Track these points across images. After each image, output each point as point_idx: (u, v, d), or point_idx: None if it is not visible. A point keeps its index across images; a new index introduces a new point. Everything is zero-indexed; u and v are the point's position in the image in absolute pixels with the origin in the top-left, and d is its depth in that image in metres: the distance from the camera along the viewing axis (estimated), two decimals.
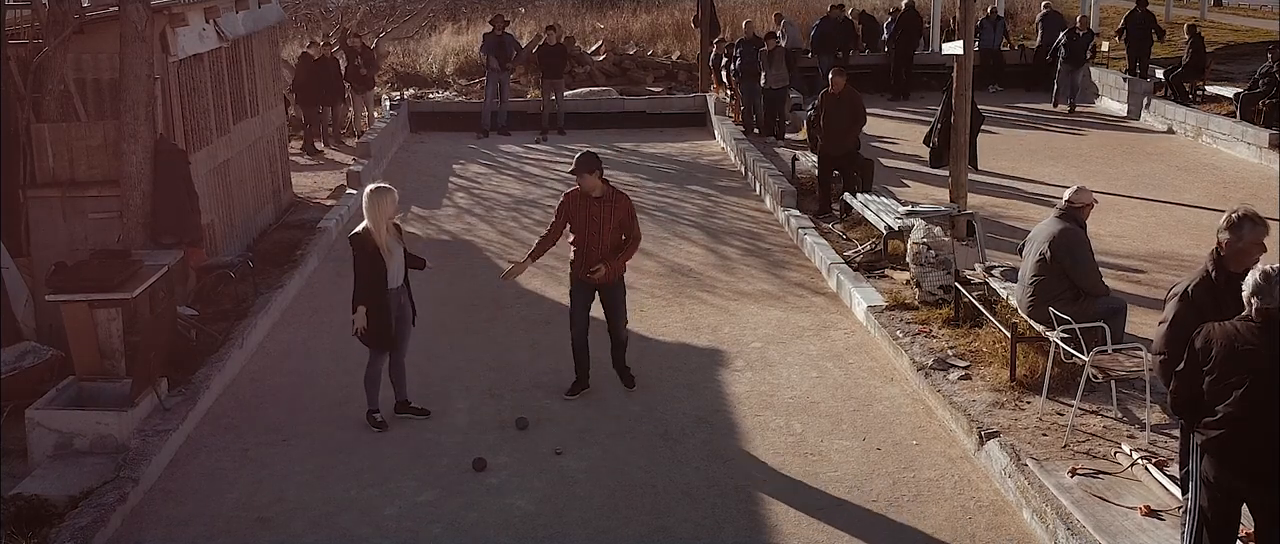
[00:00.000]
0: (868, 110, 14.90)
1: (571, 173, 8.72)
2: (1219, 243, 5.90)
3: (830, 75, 14.50)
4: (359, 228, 8.41)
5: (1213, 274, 5.89)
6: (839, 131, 14.23)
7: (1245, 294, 5.37)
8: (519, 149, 19.45)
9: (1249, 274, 5.39)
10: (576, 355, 9.04)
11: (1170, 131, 19.27)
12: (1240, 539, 5.75)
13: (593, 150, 8.85)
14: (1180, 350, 5.73)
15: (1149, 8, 22.07)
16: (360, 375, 8.70)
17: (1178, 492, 6.71)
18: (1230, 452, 5.36)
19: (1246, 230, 5.82)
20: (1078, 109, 21.53)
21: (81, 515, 6.99)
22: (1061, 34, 22.12)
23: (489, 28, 21.03)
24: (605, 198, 8.74)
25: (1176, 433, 6.82)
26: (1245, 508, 5.55)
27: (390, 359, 8.64)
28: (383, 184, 8.50)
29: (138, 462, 7.72)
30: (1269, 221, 6.22)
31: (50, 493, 7.31)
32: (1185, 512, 6.03)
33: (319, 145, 19.52)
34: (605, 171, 8.85)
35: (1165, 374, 5.91)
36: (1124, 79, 21.51)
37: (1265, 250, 5.92)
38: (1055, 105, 21.65)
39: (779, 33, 19.97)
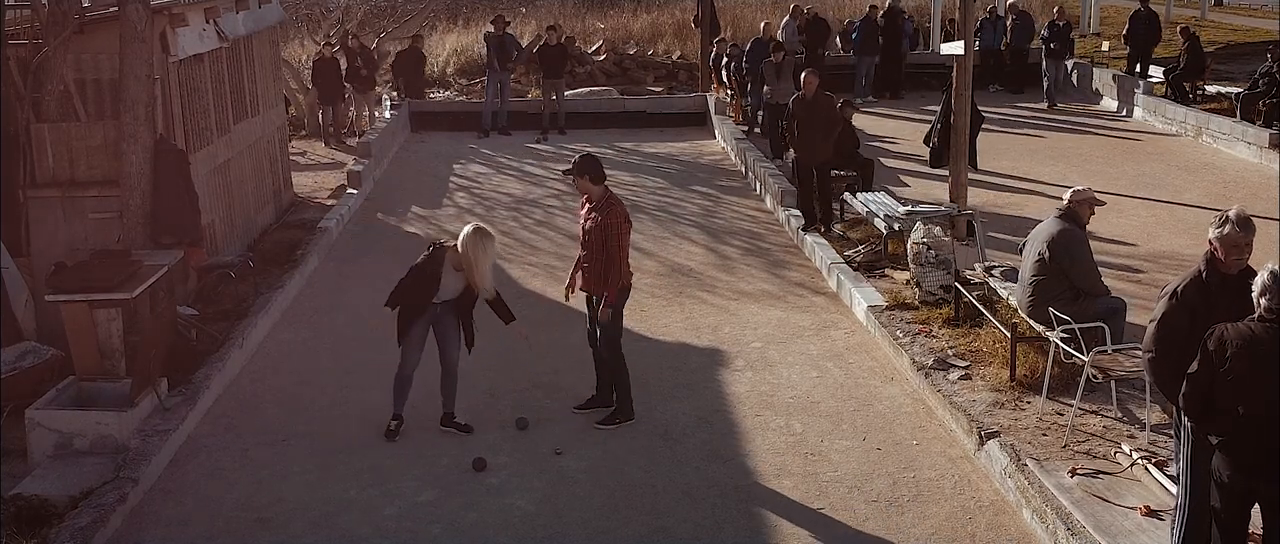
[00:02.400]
0: (865, 109, 14.73)
1: (564, 173, 8.33)
2: (1210, 244, 5.93)
3: (803, 76, 13.37)
4: (448, 242, 8.20)
5: (1204, 274, 5.92)
6: (811, 140, 13.07)
7: (1255, 293, 5.37)
8: (519, 149, 19.45)
9: (1259, 273, 5.39)
10: (596, 368, 8.76)
11: (1176, 135, 19.26)
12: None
13: (593, 154, 8.42)
14: (1168, 349, 5.78)
15: (1149, 8, 22.13)
16: (360, 375, 8.74)
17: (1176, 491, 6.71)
18: (1243, 451, 5.35)
19: (1233, 231, 5.84)
20: (1060, 105, 21.61)
21: (81, 515, 6.98)
22: (1044, 30, 22.21)
23: (490, 28, 21.06)
24: (597, 207, 8.25)
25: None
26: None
27: (442, 371, 8.40)
28: (489, 230, 8.14)
29: (138, 462, 7.71)
30: (1265, 221, 6.22)
31: (50, 493, 7.31)
32: (1175, 509, 6.05)
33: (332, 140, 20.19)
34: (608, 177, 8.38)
35: (1153, 372, 5.95)
36: (1114, 78, 21.59)
37: (1251, 251, 5.93)
38: (1050, 106, 21.66)
39: (781, 35, 19.89)
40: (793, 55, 19.18)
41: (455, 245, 8.08)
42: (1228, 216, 5.89)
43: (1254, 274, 5.56)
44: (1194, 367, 5.42)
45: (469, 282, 8.14)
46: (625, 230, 8.19)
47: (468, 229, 8.09)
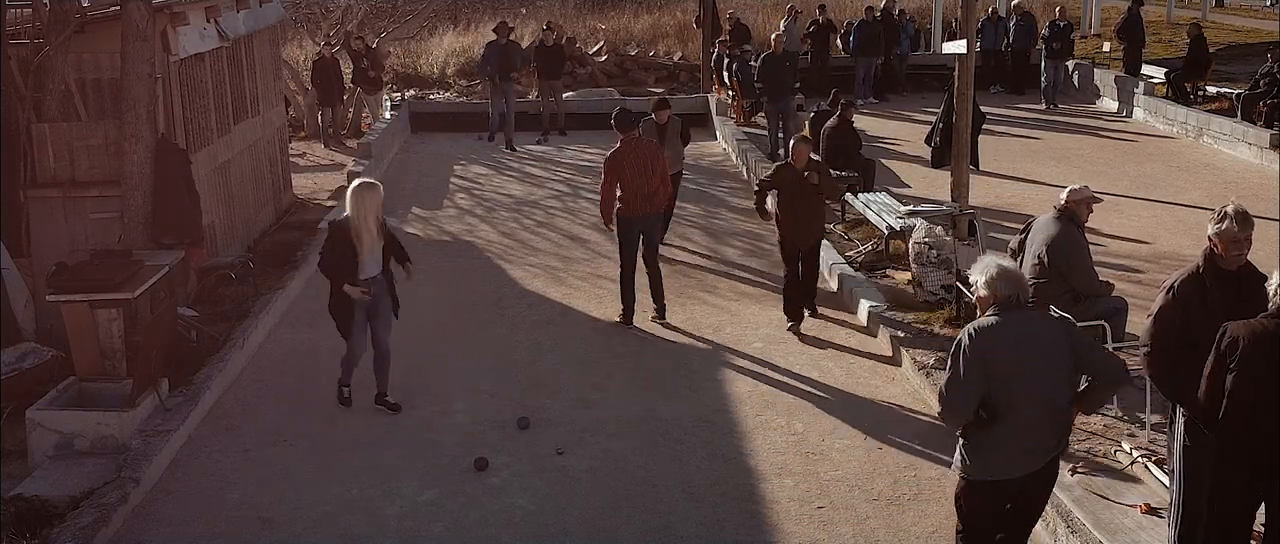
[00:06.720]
0: (864, 110, 14.48)
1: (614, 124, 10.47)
2: (1209, 240, 5.94)
3: (791, 144, 10.60)
4: (340, 216, 8.64)
5: (1202, 270, 5.93)
6: (803, 218, 10.38)
7: (1271, 290, 5.35)
8: (519, 150, 19.43)
9: (1275, 272, 5.39)
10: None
11: (1177, 136, 19.27)
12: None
13: (624, 107, 10.71)
14: (1162, 343, 5.83)
15: (1144, 7, 22.21)
16: (361, 375, 8.75)
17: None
18: (1249, 449, 5.34)
19: (1231, 226, 5.85)
20: (1060, 106, 21.63)
21: (83, 515, 6.98)
22: (1045, 29, 22.24)
23: (494, 36, 20.99)
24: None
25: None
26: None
27: (375, 353, 8.77)
28: (370, 180, 8.72)
29: (139, 462, 7.71)
30: (1266, 222, 6.23)
31: (51, 494, 7.31)
32: (1170, 505, 6.05)
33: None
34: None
35: (1147, 365, 6.00)
36: (1115, 78, 21.61)
37: (1250, 246, 5.94)
38: (1049, 107, 21.62)
39: (780, 33, 19.79)
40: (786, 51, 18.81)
41: (346, 215, 8.46)
42: (1226, 212, 5.90)
43: (1253, 270, 5.55)
44: (1208, 367, 5.40)
45: (359, 234, 8.39)
46: (609, 168, 10.47)
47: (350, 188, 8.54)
